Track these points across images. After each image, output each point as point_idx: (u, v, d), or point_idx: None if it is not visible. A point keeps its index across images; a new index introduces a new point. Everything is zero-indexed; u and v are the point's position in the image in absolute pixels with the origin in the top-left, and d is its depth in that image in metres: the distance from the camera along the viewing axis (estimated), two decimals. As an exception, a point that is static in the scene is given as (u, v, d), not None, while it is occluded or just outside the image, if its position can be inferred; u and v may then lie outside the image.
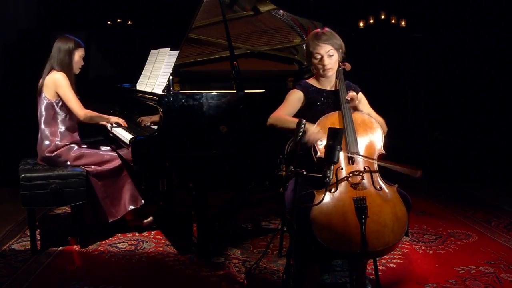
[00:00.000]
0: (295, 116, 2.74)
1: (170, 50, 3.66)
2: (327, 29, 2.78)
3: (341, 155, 2.51)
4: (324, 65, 2.70)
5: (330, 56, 2.70)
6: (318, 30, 2.77)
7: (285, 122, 2.65)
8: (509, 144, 5.84)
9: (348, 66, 2.84)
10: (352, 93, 2.69)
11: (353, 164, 2.54)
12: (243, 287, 2.85)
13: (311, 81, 2.85)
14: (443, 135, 6.63)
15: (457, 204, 4.43)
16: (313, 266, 2.63)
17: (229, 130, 3.20)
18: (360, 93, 2.87)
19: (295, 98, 2.79)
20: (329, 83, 2.82)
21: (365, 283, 2.74)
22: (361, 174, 2.50)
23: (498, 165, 5.57)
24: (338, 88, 2.76)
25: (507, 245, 3.43)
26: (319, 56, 2.70)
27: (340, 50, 2.75)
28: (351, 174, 2.50)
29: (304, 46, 2.88)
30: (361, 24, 6.80)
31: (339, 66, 2.80)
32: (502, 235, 3.62)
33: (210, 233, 3.35)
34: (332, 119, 2.64)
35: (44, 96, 3.43)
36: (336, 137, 2.13)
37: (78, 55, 3.52)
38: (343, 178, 2.49)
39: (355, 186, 2.47)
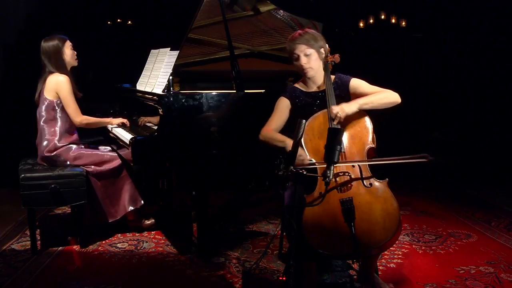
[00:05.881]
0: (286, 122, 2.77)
1: (170, 50, 3.66)
2: (307, 29, 2.76)
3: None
4: (301, 65, 2.70)
5: (306, 55, 2.68)
6: (300, 31, 2.75)
7: (272, 140, 2.66)
8: (509, 144, 5.84)
9: (337, 58, 2.79)
10: (335, 111, 2.56)
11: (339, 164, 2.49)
12: (243, 287, 2.85)
13: (298, 85, 2.84)
14: (443, 135, 6.64)
15: (457, 204, 4.43)
16: (310, 264, 2.63)
17: (229, 130, 3.20)
18: (352, 80, 2.78)
19: (283, 106, 2.79)
20: (315, 84, 2.79)
21: (374, 277, 2.73)
22: (347, 174, 2.49)
23: (498, 165, 5.57)
24: (325, 89, 2.71)
25: (507, 245, 3.42)
26: (295, 56, 2.70)
27: (322, 50, 2.72)
28: (337, 175, 2.47)
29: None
30: (361, 24, 6.81)
31: (326, 61, 2.75)
32: (502, 235, 3.62)
33: (210, 233, 3.35)
34: (319, 119, 2.62)
35: (44, 97, 3.42)
36: (335, 137, 2.13)
37: (68, 49, 3.50)
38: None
39: (341, 187, 2.45)
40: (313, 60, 2.71)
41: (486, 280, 2.88)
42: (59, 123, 3.45)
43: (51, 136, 3.43)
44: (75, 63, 3.56)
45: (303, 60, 2.70)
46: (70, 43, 3.53)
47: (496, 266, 3.08)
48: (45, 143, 3.43)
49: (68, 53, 3.50)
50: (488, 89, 6.21)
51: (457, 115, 6.47)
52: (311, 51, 2.69)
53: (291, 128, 2.62)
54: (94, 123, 3.59)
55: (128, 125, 3.71)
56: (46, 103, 3.42)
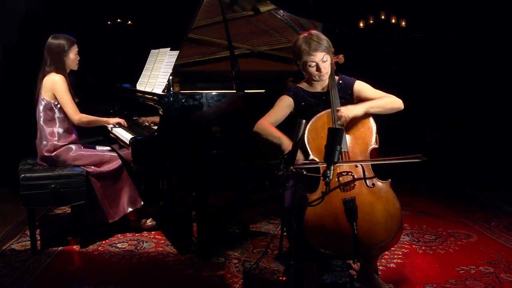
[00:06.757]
0: (283, 122, 2.73)
1: (170, 50, 3.66)
2: (312, 31, 2.71)
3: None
4: (320, 72, 2.67)
5: (324, 61, 2.65)
6: (306, 34, 2.69)
7: (268, 134, 2.59)
8: (509, 143, 5.84)
9: (341, 59, 2.78)
10: (340, 113, 2.58)
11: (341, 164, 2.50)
12: (243, 287, 2.85)
13: (302, 85, 2.82)
14: (443, 135, 6.63)
15: (457, 204, 4.43)
16: (310, 264, 2.64)
17: (229, 130, 3.20)
18: (357, 83, 2.78)
19: (284, 104, 2.75)
20: (320, 85, 2.78)
21: (374, 277, 2.73)
22: (349, 173, 2.49)
23: (498, 165, 5.57)
24: (329, 89, 2.70)
25: (507, 245, 3.42)
26: (314, 64, 2.65)
27: (330, 51, 2.69)
28: (340, 175, 2.48)
29: (293, 51, 2.74)
30: (361, 24, 6.81)
31: (331, 61, 2.73)
32: (502, 235, 3.62)
33: (210, 233, 3.35)
34: (323, 119, 2.62)
35: (42, 97, 3.43)
36: (336, 137, 2.12)
37: (73, 53, 3.48)
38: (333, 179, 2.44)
39: (344, 186, 2.46)
40: (328, 65, 2.68)
41: (486, 280, 2.88)
42: (57, 124, 3.45)
43: (50, 137, 3.43)
44: (75, 68, 3.55)
45: (322, 67, 2.65)
46: (77, 48, 3.52)
47: (496, 266, 3.08)
48: (44, 143, 3.43)
49: (72, 56, 3.48)
50: (488, 89, 6.20)
51: (457, 115, 6.47)
52: (327, 56, 2.66)
53: (291, 128, 2.62)
54: (93, 121, 3.57)
55: (125, 124, 3.71)
56: (43, 104, 3.43)
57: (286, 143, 2.49)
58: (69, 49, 3.45)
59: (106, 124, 3.70)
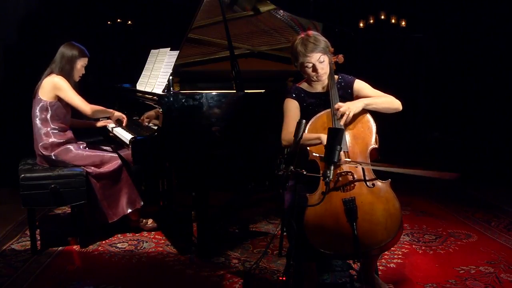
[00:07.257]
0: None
1: (170, 50, 3.66)
2: (310, 32, 2.70)
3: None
4: (317, 72, 2.67)
5: (321, 62, 2.65)
6: (303, 35, 2.69)
7: (305, 139, 2.53)
8: (509, 143, 5.84)
9: (340, 58, 2.78)
10: (339, 109, 2.58)
11: (341, 164, 2.50)
12: (243, 287, 2.86)
13: (302, 85, 2.82)
14: (443, 135, 6.64)
15: (457, 204, 4.43)
16: (310, 264, 2.64)
17: (229, 130, 3.20)
18: (357, 82, 2.78)
19: (294, 107, 2.74)
20: (321, 85, 2.78)
21: (374, 277, 2.73)
22: (349, 173, 2.49)
23: (498, 165, 5.57)
24: (329, 89, 2.70)
25: (507, 245, 3.42)
26: (310, 65, 2.65)
27: (328, 51, 2.69)
28: (340, 175, 2.48)
29: (291, 53, 2.74)
30: (361, 24, 6.81)
31: (330, 61, 2.73)
32: (502, 235, 3.62)
33: (210, 233, 3.35)
34: (323, 119, 2.62)
35: (39, 97, 3.44)
36: (336, 137, 2.13)
37: (80, 64, 3.53)
38: (333, 179, 2.43)
39: (344, 186, 2.46)
40: (326, 65, 2.68)
41: (486, 280, 2.88)
42: (50, 124, 3.45)
43: (46, 137, 3.44)
44: (76, 79, 3.58)
45: (319, 67, 2.65)
46: (86, 62, 3.57)
47: (496, 266, 3.08)
48: (40, 143, 3.44)
49: (78, 67, 3.52)
50: (488, 89, 6.21)
51: (457, 115, 6.48)
52: (324, 57, 2.66)
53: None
54: (101, 110, 3.62)
55: (125, 121, 3.70)
56: (40, 104, 3.44)
57: (325, 139, 2.45)
58: (78, 59, 3.50)
59: (110, 116, 3.72)
